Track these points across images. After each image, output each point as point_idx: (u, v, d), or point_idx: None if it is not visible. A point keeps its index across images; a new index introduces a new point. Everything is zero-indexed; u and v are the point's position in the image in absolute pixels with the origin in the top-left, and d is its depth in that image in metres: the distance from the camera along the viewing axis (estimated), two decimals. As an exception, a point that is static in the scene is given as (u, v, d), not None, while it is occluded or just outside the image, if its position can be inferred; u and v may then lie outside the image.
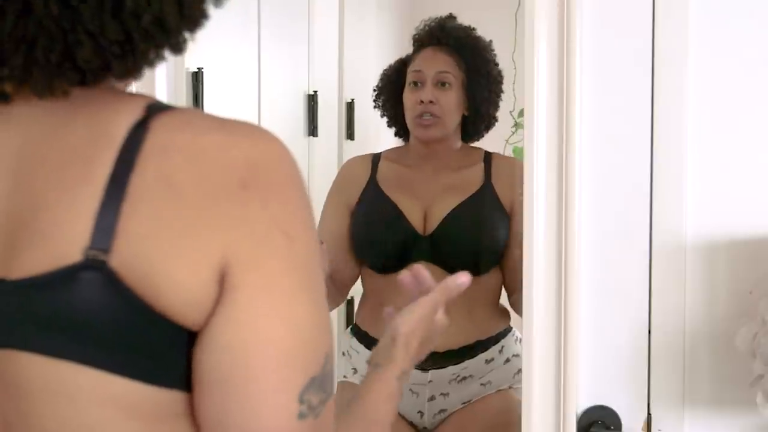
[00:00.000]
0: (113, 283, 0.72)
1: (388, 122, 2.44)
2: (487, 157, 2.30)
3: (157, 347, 0.74)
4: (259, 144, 0.76)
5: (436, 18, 2.34)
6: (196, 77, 2.22)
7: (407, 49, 2.40)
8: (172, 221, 0.72)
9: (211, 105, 2.29)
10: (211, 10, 0.82)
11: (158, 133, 0.75)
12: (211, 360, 0.74)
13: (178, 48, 0.81)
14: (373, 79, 2.47)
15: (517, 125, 3.39)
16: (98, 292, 0.72)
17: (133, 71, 0.80)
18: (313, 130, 3.02)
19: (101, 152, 0.74)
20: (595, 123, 1.38)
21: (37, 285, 0.73)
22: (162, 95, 1.75)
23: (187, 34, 0.81)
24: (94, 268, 0.72)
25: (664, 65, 1.37)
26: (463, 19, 2.38)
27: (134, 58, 0.78)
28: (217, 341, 0.74)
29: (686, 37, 1.36)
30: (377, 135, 3.33)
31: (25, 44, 0.75)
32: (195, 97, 2.23)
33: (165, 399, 0.76)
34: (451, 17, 2.35)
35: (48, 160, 0.76)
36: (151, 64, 0.81)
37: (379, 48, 3.44)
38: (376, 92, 2.43)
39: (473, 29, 2.33)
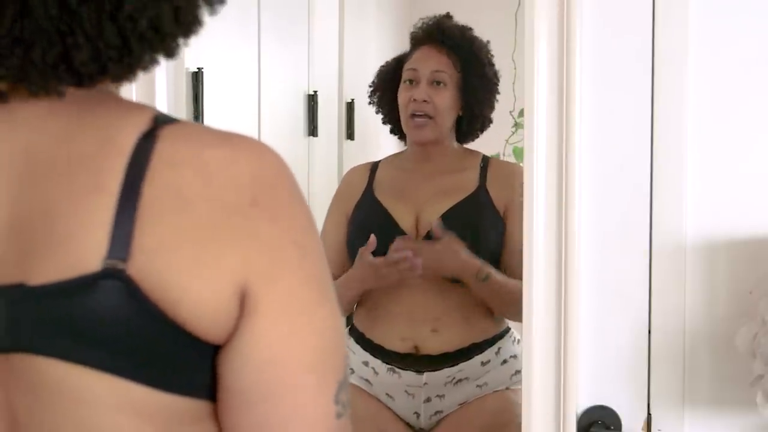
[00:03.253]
0: (132, 291, 0.73)
1: (383, 119, 2.44)
2: (485, 161, 2.29)
3: (176, 357, 0.75)
4: (261, 159, 0.78)
5: (434, 17, 2.34)
6: (196, 77, 2.22)
7: (407, 48, 2.40)
8: (186, 236, 0.73)
9: (211, 105, 2.29)
10: (206, 17, 0.83)
11: (165, 145, 0.75)
12: (248, 378, 0.76)
13: (171, 53, 0.82)
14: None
15: (517, 125, 3.39)
16: (117, 301, 0.73)
17: (128, 74, 0.81)
18: (313, 130, 3.02)
19: (111, 161, 0.75)
20: (595, 123, 1.38)
21: (57, 292, 0.73)
22: (162, 95, 1.75)
23: (181, 40, 0.82)
24: (113, 277, 0.72)
25: (664, 65, 1.37)
26: (463, 19, 2.38)
27: (130, 61, 0.79)
28: (251, 358, 0.76)
29: (686, 37, 1.36)
30: (377, 135, 3.33)
31: (22, 45, 0.75)
32: (195, 97, 2.23)
33: (185, 406, 0.77)
34: (448, 16, 2.35)
35: (56, 165, 0.76)
36: (146, 67, 0.82)
37: (378, 48, 3.43)
38: (371, 89, 2.43)
39: (470, 29, 2.33)
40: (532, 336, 1.41)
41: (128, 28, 0.77)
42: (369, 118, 3.28)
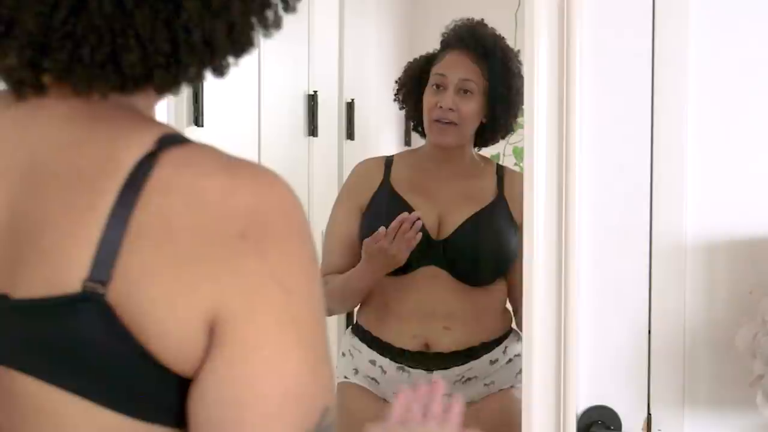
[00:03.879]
0: (108, 317, 0.71)
1: (406, 114, 2.43)
2: (500, 169, 2.31)
3: (150, 386, 0.74)
4: (262, 191, 0.75)
5: (468, 20, 2.34)
6: (196, 77, 2.22)
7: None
8: (166, 267, 0.72)
9: (211, 105, 2.29)
10: (260, 39, 0.82)
11: (164, 169, 0.73)
12: (204, 413, 0.74)
13: (220, 71, 0.81)
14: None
15: (517, 125, 3.39)
16: (93, 325, 0.71)
17: (172, 84, 0.80)
18: (313, 130, 3.03)
19: (107, 181, 0.73)
20: (595, 123, 1.38)
21: (36, 309, 0.73)
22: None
23: (231, 59, 0.81)
24: (92, 300, 0.71)
25: (664, 65, 1.37)
26: (463, 19, 2.37)
27: (177, 71, 0.78)
28: (209, 395, 0.73)
29: (686, 37, 1.36)
30: (377, 135, 3.33)
31: (72, 40, 0.75)
32: (195, 97, 2.23)
33: None
34: (482, 23, 2.34)
35: (57, 176, 0.75)
36: (191, 81, 0.80)
37: (379, 48, 3.44)
38: (398, 84, 2.42)
39: (502, 38, 2.32)
40: (533, 336, 1.41)
41: (181, 38, 0.75)
42: (369, 118, 3.28)
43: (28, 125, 0.78)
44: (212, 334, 0.73)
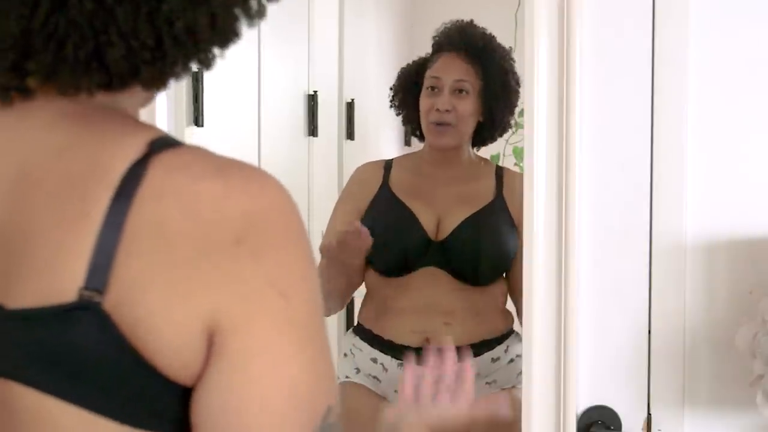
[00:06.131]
0: (106, 325, 0.71)
1: (402, 121, 2.45)
2: (499, 171, 2.32)
3: (147, 394, 0.73)
4: (257, 194, 0.74)
5: (457, 22, 2.35)
6: (196, 77, 2.22)
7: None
8: (162, 274, 0.71)
9: (211, 105, 2.29)
10: (244, 29, 0.81)
11: (156, 174, 0.72)
12: (209, 422, 0.73)
13: (207, 62, 0.80)
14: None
15: (517, 125, 3.39)
16: (91, 333, 0.71)
17: (159, 80, 0.79)
18: (313, 130, 3.03)
19: (98, 188, 0.73)
20: (595, 123, 1.38)
21: (32, 318, 0.72)
22: (161, 95, 1.75)
23: (217, 50, 0.80)
24: (88, 309, 0.71)
25: (664, 65, 1.37)
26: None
27: (163, 65, 0.77)
28: (211, 404, 0.73)
29: (686, 37, 1.36)
30: (377, 135, 3.33)
31: (55, 41, 0.74)
32: (195, 96, 2.23)
33: None
34: (472, 24, 2.35)
35: (46, 185, 0.75)
36: (178, 75, 0.80)
37: (378, 48, 3.44)
38: (393, 91, 2.44)
39: (493, 37, 2.33)
40: (533, 336, 1.41)
41: (164, 30, 0.75)
42: (369, 118, 3.28)
43: (16, 132, 0.78)
44: (211, 341, 0.72)
